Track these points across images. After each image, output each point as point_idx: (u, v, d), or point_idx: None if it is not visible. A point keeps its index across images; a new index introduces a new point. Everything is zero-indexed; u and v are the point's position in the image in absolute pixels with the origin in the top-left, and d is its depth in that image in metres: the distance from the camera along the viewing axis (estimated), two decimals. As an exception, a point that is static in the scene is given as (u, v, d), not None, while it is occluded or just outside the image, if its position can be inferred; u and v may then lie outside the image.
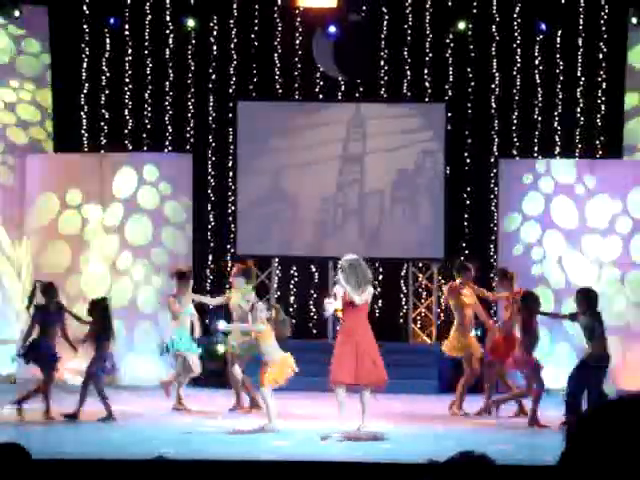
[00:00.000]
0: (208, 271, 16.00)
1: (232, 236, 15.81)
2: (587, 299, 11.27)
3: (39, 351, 11.43)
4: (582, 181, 14.76)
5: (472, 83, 16.04)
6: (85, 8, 15.84)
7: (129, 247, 14.92)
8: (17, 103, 15.67)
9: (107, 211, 14.94)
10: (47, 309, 11.53)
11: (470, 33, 15.90)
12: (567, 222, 14.76)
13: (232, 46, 16.13)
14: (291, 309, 15.81)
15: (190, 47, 16.09)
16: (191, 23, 15.87)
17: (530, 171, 14.96)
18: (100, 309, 11.42)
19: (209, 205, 16.13)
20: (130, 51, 16.04)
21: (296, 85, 16.21)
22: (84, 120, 16.05)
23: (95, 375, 11.21)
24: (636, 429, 2.03)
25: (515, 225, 14.95)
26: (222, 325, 11.73)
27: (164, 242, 15.00)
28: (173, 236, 15.04)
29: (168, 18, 15.99)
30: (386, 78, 16.16)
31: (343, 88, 16.20)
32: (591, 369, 11.00)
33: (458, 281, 12.59)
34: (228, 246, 16.00)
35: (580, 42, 15.84)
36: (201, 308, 13.46)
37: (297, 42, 16.15)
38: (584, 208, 14.69)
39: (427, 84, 16.11)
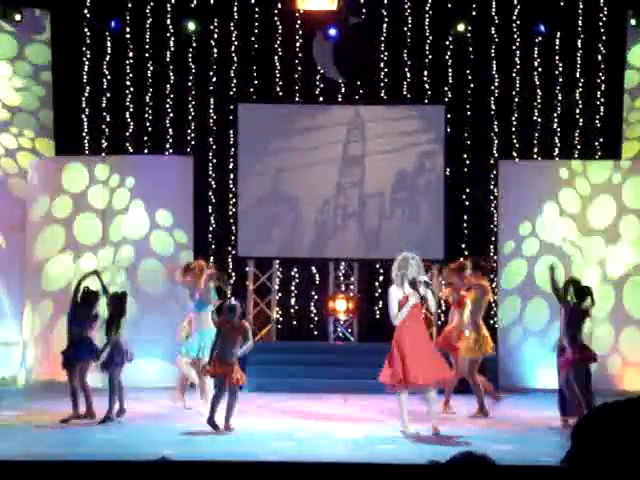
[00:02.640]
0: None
1: (233, 238, 15.85)
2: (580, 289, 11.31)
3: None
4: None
5: (471, 85, 16.09)
6: (86, 11, 15.88)
7: (130, 247, 14.96)
8: (18, 105, 15.70)
9: (107, 213, 14.98)
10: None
11: (469, 35, 15.94)
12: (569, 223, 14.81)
13: (232, 49, 16.18)
14: (292, 310, 15.85)
15: (191, 50, 16.14)
16: (192, 26, 15.92)
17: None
18: (119, 301, 11.52)
19: (210, 207, 16.18)
20: (131, 54, 16.08)
21: (296, 87, 16.25)
22: (85, 123, 16.09)
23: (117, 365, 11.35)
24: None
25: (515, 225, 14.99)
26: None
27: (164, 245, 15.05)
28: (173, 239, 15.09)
29: (169, 21, 16.04)
30: (386, 80, 16.20)
31: (343, 90, 16.25)
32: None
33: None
34: (229, 248, 16.04)
35: (579, 44, 15.88)
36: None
37: (297, 45, 16.20)
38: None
39: (427, 86, 16.15)
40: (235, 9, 16.14)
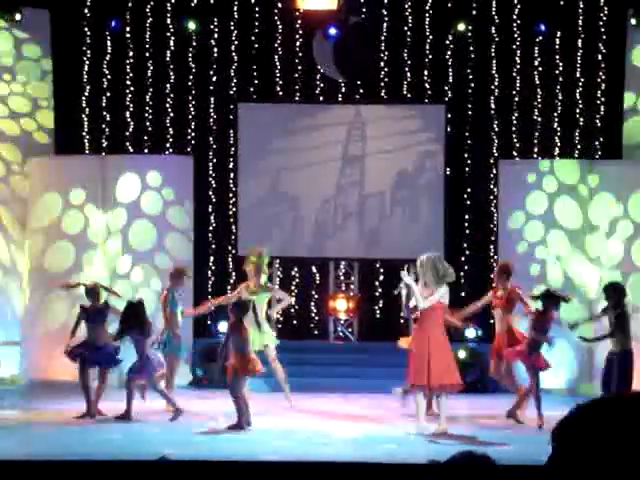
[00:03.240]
0: (209, 272, 16.04)
1: (233, 237, 15.85)
2: (616, 292, 11.42)
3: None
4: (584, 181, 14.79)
5: (472, 84, 16.08)
6: (86, 11, 15.88)
7: (130, 249, 14.95)
8: (18, 105, 15.70)
9: (109, 213, 14.98)
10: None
11: (470, 34, 15.94)
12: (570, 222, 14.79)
13: (233, 48, 16.17)
14: (292, 310, 15.84)
15: (191, 49, 16.13)
16: (192, 26, 15.91)
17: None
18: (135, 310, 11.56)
19: (210, 207, 16.17)
20: (131, 54, 16.08)
21: (296, 87, 16.25)
22: (85, 123, 16.09)
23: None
24: (623, 428, 2.05)
25: (515, 225, 14.96)
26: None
27: (165, 244, 15.05)
28: (174, 239, 15.08)
29: (169, 21, 16.03)
30: (386, 80, 16.20)
31: (343, 90, 16.24)
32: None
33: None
34: (229, 247, 16.03)
35: (579, 43, 15.88)
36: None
37: (297, 44, 16.19)
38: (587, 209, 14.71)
39: (427, 85, 16.15)
40: (235, 8, 16.13)
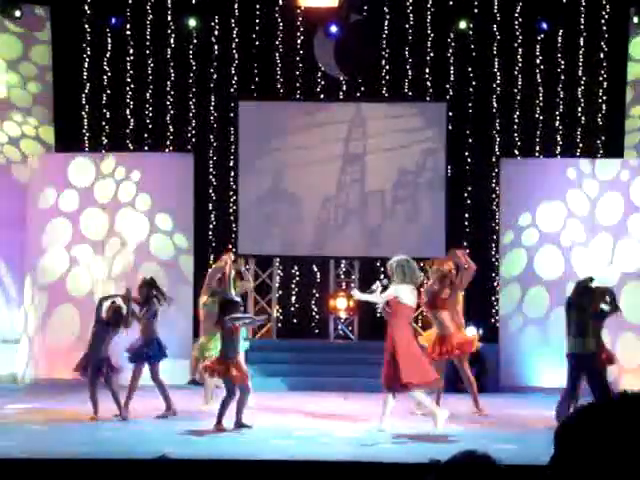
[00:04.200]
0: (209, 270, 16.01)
1: (233, 236, 15.83)
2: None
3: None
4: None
5: (473, 82, 16.06)
6: (87, 8, 15.86)
7: (130, 247, 14.95)
8: (19, 105, 15.68)
9: (106, 211, 14.97)
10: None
11: (471, 32, 15.92)
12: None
13: (233, 46, 16.15)
14: (292, 308, 15.83)
15: (191, 47, 16.12)
16: (192, 23, 15.90)
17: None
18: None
19: (210, 205, 16.15)
20: (131, 51, 16.06)
21: (297, 85, 16.23)
22: (85, 120, 16.07)
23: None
24: (625, 430, 2.03)
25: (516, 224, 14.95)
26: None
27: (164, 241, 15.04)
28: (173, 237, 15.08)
29: (169, 18, 16.02)
30: (387, 77, 16.18)
31: (344, 88, 16.22)
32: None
33: None
34: (229, 245, 16.01)
35: (581, 41, 15.86)
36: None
37: (298, 42, 16.17)
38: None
39: (428, 83, 16.13)
40: (236, 6, 16.11)
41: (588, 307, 10.81)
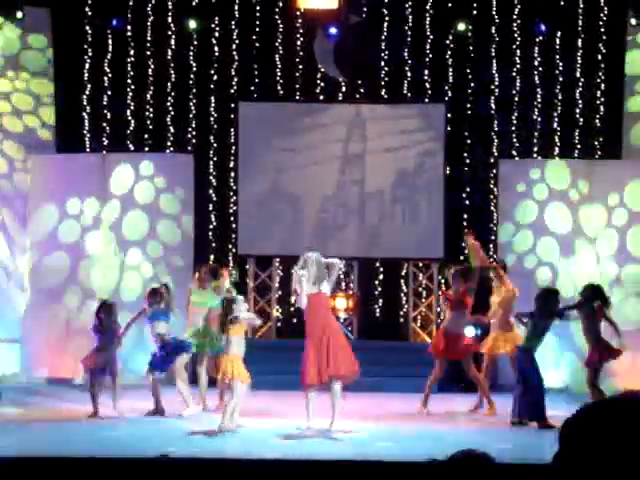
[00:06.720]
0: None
1: (233, 236, 15.86)
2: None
3: None
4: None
5: (472, 84, 16.10)
6: (88, 9, 15.89)
7: (130, 245, 14.98)
8: (19, 104, 15.70)
9: (107, 209, 15.00)
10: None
11: (470, 34, 15.95)
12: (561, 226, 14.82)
13: (234, 47, 16.19)
14: (292, 308, 15.85)
15: (192, 48, 16.14)
16: (193, 24, 15.93)
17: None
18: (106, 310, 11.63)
19: (210, 205, 16.19)
20: (132, 52, 16.09)
21: (297, 86, 16.26)
22: (86, 121, 16.10)
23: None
24: (628, 428, 2.07)
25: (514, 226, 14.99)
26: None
27: (162, 239, 15.08)
28: (172, 234, 15.11)
29: (170, 19, 16.05)
30: (386, 79, 16.21)
31: (344, 89, 16.26)
32: None
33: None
34: (229, 246, 16.05)
35: (579, 43, 15.89)
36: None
37: (298, 43, 16.20)
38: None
39: (427, 85, 16.16)
40: (236, 7, 16.15)
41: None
